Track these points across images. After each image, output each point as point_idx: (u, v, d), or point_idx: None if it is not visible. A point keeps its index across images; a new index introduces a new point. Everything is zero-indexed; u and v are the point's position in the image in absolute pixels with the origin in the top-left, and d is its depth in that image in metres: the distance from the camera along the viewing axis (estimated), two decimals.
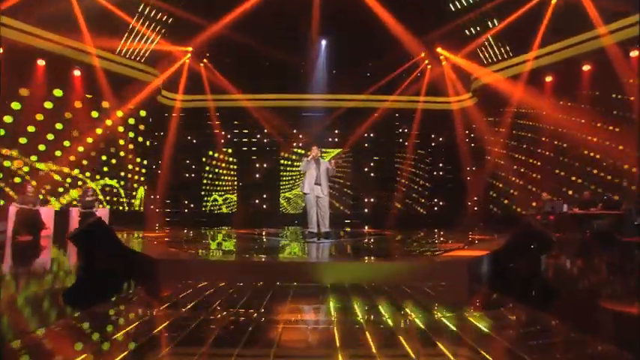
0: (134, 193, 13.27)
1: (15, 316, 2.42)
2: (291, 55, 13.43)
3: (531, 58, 11.46)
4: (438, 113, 14.83)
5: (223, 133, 15.06)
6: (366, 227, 13.41)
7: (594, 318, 2.54)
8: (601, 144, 10.43)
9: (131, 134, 13.13)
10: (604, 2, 9.54)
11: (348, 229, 11.42)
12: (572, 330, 2.16)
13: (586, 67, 10.68)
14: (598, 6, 9.67)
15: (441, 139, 15.45)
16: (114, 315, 2.44)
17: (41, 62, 10.70)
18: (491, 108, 13.53)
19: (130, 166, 13.08)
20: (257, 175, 15.32)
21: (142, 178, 13.52)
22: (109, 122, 12.19)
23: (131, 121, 13.11)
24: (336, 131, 15.31)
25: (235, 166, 15.29)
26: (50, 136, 11.07)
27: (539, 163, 12.36)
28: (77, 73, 11.46)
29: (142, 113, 13.51)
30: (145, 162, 13.70)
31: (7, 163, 10.16)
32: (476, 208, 14.34)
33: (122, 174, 12.86)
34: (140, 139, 13.51)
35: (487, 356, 1.68)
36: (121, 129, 12.78)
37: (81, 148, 11.59)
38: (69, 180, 11.37)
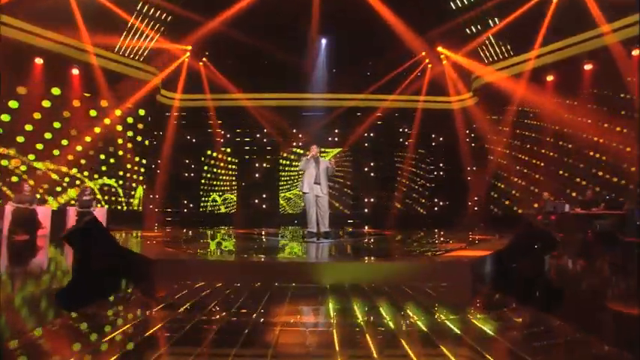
0: (133, 193, 13.20)
1: (9, 316, 2.35)
2: (291, 54, 13.35)
3: (533, 57, 11.39)
4: (439, 113, 14.76)
5: (222, 132, 14.99)
6: (366, 227, 13.34)
7: (598, 319, 2.49)
8: (605, 144, 10.36)
9: (130, 133, 13.06)
10: (606, 0, 9.47)
11: (348, 229, 11.34)
12: (576, 331, 2.10)
13: (588, 66, 10.59)
14: (600, 4, 9.59)
15: (441, 138, 15.38)
16: (106, 316, 2.36)
17: (39, 60, 10.63)
18: (492, 107, 13.46)
19: (129, 166, 13.01)
20: (256, 175, 15.26)
21: (141, 178, 13.45)
22: (107, 121, 12.13)
23: (130, 120, 13.05)
24: (336, 131, 15.25)
25: (234, 166, 15.22)
26: (48, 135, 11.01)
27: (540, 163, 12.29)
28: (75, 71, 11.39)
29: (141, 112, 13.43)
30: (144, 161, 13.62)
31: (4, 162, 10.08)
32: (476, 208, 14.27)
33: (121, 173, 12.79)
34: (139, 138, 13.44)
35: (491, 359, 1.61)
36: (119, 128, 12.71)
37: (79, 147, 11.52)
38: (67, 179, 11.30)
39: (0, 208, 8.50)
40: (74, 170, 11.51)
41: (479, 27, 12.46)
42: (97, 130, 11.87)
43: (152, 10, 12.00)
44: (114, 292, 3.10)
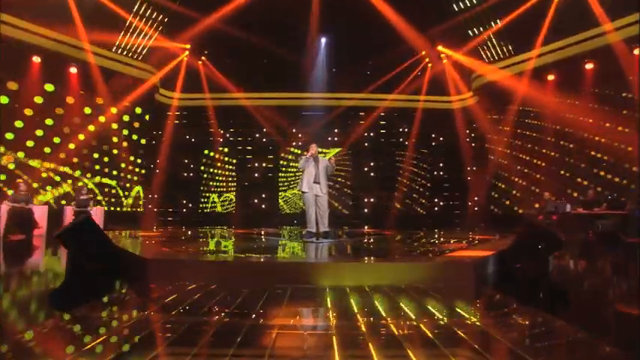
0: (131, 193, 13.10)
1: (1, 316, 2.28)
2: (291, 53, 13.27)
3: (534, 56, 11.30)
4: (439, 112, 14.68)
5: (222, 131, 14.90)
6: (366, 227, 13.26)
7: (600, 319, 2.43)
8: (607, 143, 10.29)
9: (127, 132, 12.95)
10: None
11: (346, 229, 11.25)
12: (579, 331, 2.02)
13: (590, 65, 10.51)
14: (602, 3, 9.51)
15: (441, 138, 15.29)
16: (97, 318, 2.28)
17: (36, 59, 10.53)
18: (492, 107, 13.37)
19: (128, 165, 12.90)
20: (256, 175, 15.17)
21: (139, 178, 13.35)
22: (102, 119, 12.00)
23: (128, 119, 12.94)
24: (336, 130, 15.16)
25: (234, 166, 15.13)
26: (39, 132, 10.75)
27: (541, 163, 12.20)
28: (73, 70, 11.29)
29: (139, 111, 13.32)
30: (143, 161, 13.53)
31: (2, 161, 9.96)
32: (476, 209, 14.19)
33: (119, 173, 12.69)
34: (136, 137, 13.33)
35: None
36: (116, 127, 12.60)
37: (72, 145, 11.34)
38: (57, 178, 11.11)
39: None
40: (70, 169, 11.39)
41: (479, 26, 12.37)
42: (91, 127, 11.74)
43: (150, 9, 11.90)
44: (107, 293, 3.02)
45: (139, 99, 12.67)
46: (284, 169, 15.12)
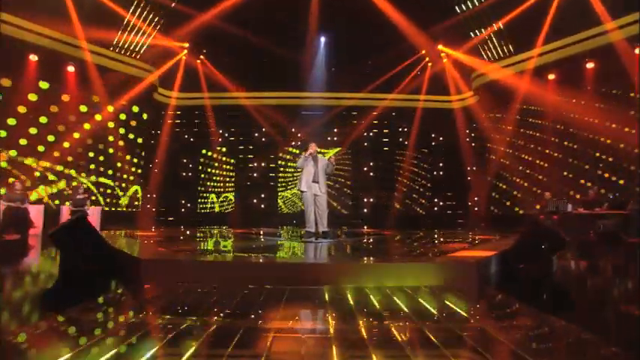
0: (129, 192, 13.01)
1: None
2: (290, 52, 13.19)
3: (535, 55, 11.22)
4: (439, 112, 14.60)
5: (220, 131, 14.81)
6: (365, 227, 13.19)
7: (602, 319, 2.39)
8: (608, 143, 10.22)
9: (123, 131, 12.81)
10: None
11: (345, 229, 11.17)
12: (583, 332, 1.96)
13: (591, 65, 10.44)
14: (604, 1, 9.44)
15: (441, 138, 15.22)
16: (89, 319, 2.20)
17: (33, 57, 10.42)
18: (492, 106, 13.30)
19: (126, 165, 12.81)
20: (255, 174, 15.09)
21: (137, 177, 13.25)
22: (99, 118, 11.89)
23: (126, 118, 12.84)
24: (335, 130, 15.08)
25: (232, 165, 15.04)
26: (33, 130, 10.64)
27: (541, 162, 12.13)
28: (71, 69, 11.19)
29: (138, 111, 13.23)
30: (141, 161, 13.43)
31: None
32: (476, 209, 14.12)
33: (117, 173, 12.59)
34: (133, 136, 13.22)
35: None
36: (115, 126, 12.50)
37: (68, 144, 11.23)
38: (51, 176, 10.98)
39: None
40: (66, 168, 11.29)
41: (479, 25, 12.30)
42: (91, 127, 11.65)
43: (149, 7, 11.80)
44: (101, 293, 2.93)
45: (137, 98, 12.58)
46: (282, 168, 15.03)
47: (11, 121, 10.18)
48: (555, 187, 11.14)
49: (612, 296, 3.21)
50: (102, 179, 12.14)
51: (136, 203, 13.24)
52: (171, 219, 14.00)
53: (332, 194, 14.30)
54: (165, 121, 14.04)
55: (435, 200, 15.08)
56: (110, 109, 12.08)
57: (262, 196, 14.99)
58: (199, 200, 14.72)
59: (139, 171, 13.32)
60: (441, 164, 15.17)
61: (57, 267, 4.17)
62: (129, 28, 11.80)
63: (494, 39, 12.30)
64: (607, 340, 1.97)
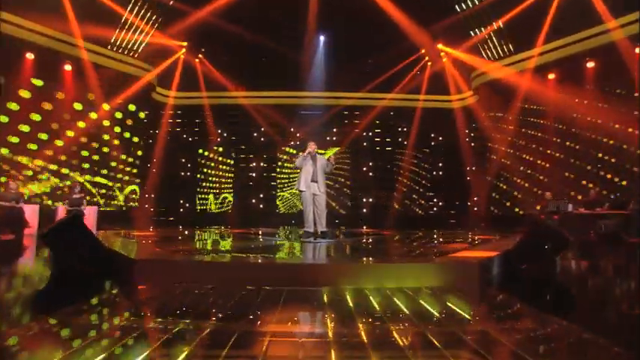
0: (127, 192, 12.92)
1: None
2: (289, 51, 13.12)
3: (535, 55, 11.16)
4: (439, 111, 14.54)
5: (219, 130, 14.72)
6: (364, 227, 13.12)
7: (603, 320, 2.35)
8: (609, 143, 10.16)
9: (118, 129, 12.71)
10: None
11: (343, 229, 11.10)
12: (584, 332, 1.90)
13: (591, 64, 10.38)
14: (605, 0, 9.39)
15: (441, 137, 15.15)
16: (81, 321, 2.12)
17: (30, 55, 10.33)
18: (492, 106, 13.24)
19: (123, 165, 12.71)
20: (253, 174, 15.01)
21: (134, 177, 13.16)
22: (95, 116, 11.80)
23: (123, 117, 12.75)
24: (334, 129, 15.01)
25: (231, 165, 14.96)
26: (26, 128, 10.49)
27: (542, 162, 12.07)
28: (68, 67, 11.09)
29: (135, 109, 13.14)
30: (139, 160, 13.34)
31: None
32: (476, 209, 14.06)
33: (114, 172, 12.50)
34: (132, 135, 13.14)
35: None
36: (113, 125, 12.41)
37: (66, 143, 11.14)
38: (45, 175, 10.89)
39: None
40: (63, 168, 11.20)
41: (479, 24, 12.24)
42: (88, 127, 11.55)
43: (147, 5, 11.72)
44: (94, 294, 2.86)
45: (135, 97, 12.49)
46: (280, 169, 14.96)
47: (4, 119, 10.08)
48: (556, 188, 11.07)
49: (613, 296, 3.15)
50: (97, 178, 12.03)
51: (133, 204, 13.14)
52: (169, 219, 13.91)
53: (331, 194, 14.23)
54: (164, 121, 13.94)
55: (435, 200, 15.02)
56: (105, 107, 11.94)
57: (261, 196, 14.91)
58: (197, 200, 14.63)
59: (135, 170, 13.22)
60: (440, 164, 15.11)
61: (49, 268, 4.09)
62: (127, 27, 11.71)
63: (494, 38, 12.24)
64: (608, 340, 1.91)
